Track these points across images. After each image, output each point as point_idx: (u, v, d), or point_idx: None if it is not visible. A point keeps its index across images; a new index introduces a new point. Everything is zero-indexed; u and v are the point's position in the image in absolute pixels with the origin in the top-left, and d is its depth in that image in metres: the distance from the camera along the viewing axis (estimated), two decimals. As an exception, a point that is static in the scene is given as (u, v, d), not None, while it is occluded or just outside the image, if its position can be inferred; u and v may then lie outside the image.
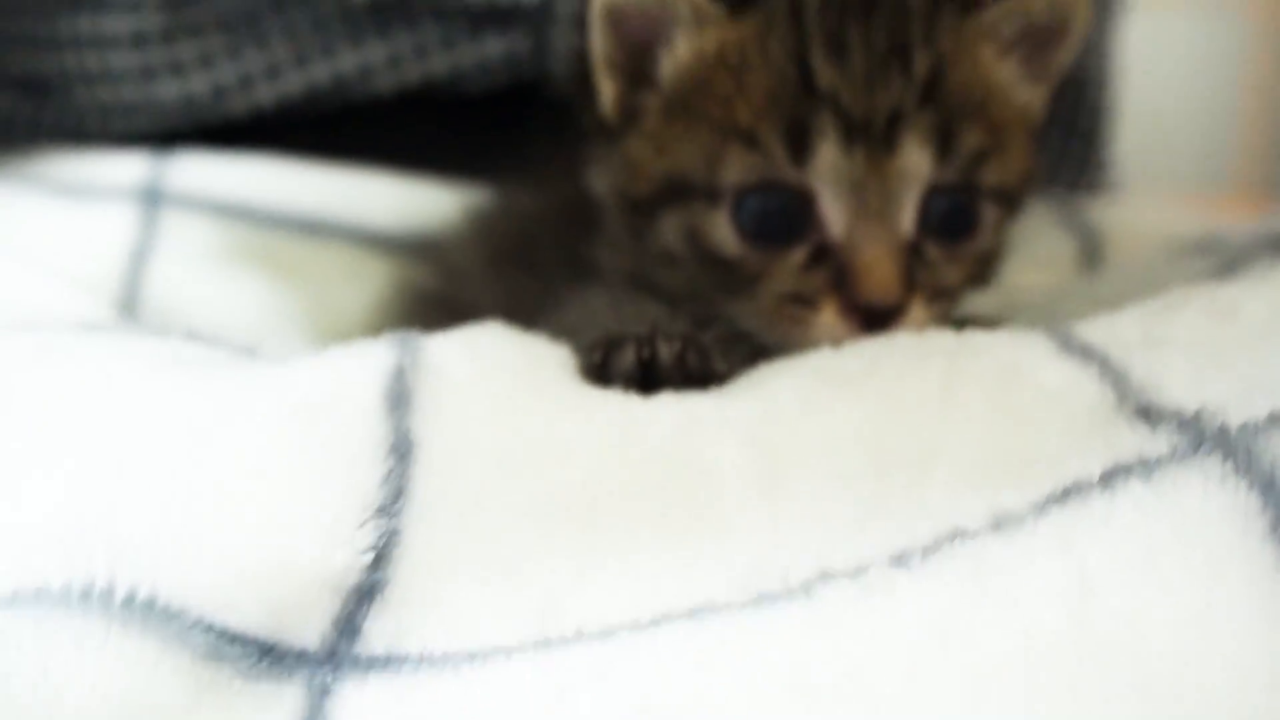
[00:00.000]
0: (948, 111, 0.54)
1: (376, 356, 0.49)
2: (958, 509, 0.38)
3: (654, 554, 0.40)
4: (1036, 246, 0.89)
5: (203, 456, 0.43)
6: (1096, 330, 0.48)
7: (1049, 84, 0.60)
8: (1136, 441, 0.39)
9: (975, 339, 0.49)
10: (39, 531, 0.40)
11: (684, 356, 0.50)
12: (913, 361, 0.47)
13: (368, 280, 0.77)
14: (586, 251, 0.62)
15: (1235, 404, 0.39)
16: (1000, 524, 0.37)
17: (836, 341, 0.52)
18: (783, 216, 0.54)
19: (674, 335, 0.51)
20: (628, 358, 0.50)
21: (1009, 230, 0.59)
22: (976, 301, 0.61)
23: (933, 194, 0.55)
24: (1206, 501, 0.35)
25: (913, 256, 0.54)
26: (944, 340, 0.49)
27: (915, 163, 0.54)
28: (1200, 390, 0.41)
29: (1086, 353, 0.45)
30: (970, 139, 0.55)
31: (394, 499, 0.42)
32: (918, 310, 0.54)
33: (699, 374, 0.50)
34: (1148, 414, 0.41)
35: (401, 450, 0.43)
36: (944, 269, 0.56)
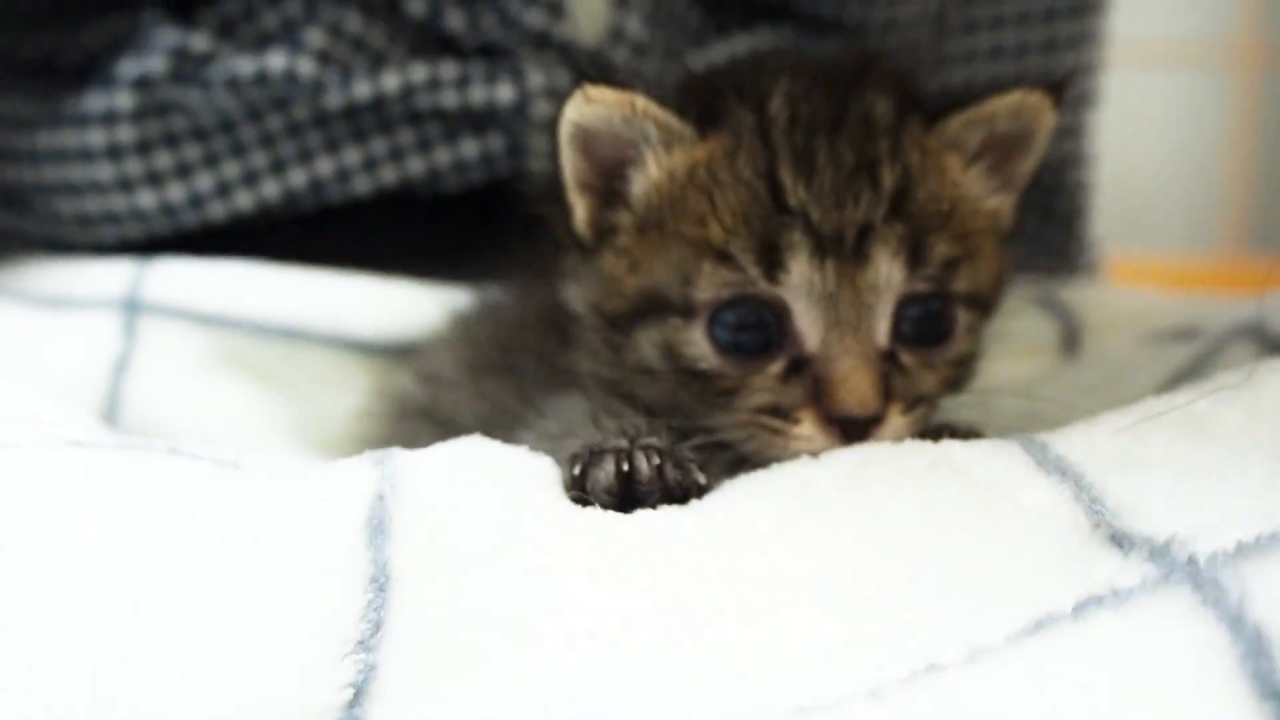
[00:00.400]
0: (917, 223, 0.55)
1: (357, 482, 0.49)
2: (933, 641, 0.38)
3: (633, 691, 0.40)
4: (1016, 334, 0.90)
5: (185, 595, 0.43)
6: (1073, 444, 0.48)
7: (1016, 189, 0.60)
8: (1109, 570, 0.39)
9: (952, 453, 0.49)
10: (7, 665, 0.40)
11: (663, 470, 0.50)
12: (891, 480, 0.47)
13: (348, 386, 0.77)
14: (565, 360, 0.62)
15: (1205, 533, 0.39)
16: (974, 657, 0.37)
17: (815, 452, 0.52)
18: (758, 330, 0.55)
19: (653, 448, 0.51)
20: (607, 471, 0.50)
21: (983, 333, 0.60)
22: (959, 400, 0.61)
23: (906, 303, 0.55)
24: (1175, 634, 0.35)
25: (889, 366, 0.55)
26: (921, 456, 0.49)
27: (886, 274, 0.54)
28: (1172, 516, 0.41)
29: (1063, 471, 0.46)
30: (940, 249, 0.55)
31: (373, 632, 0.42)
32: (895, 419, 0.54)
33: (679, 488, 0.50)
34: (1120, 541, 0.41)
35: (380, 582, 0.43)
36: (920, 376, 0.56)
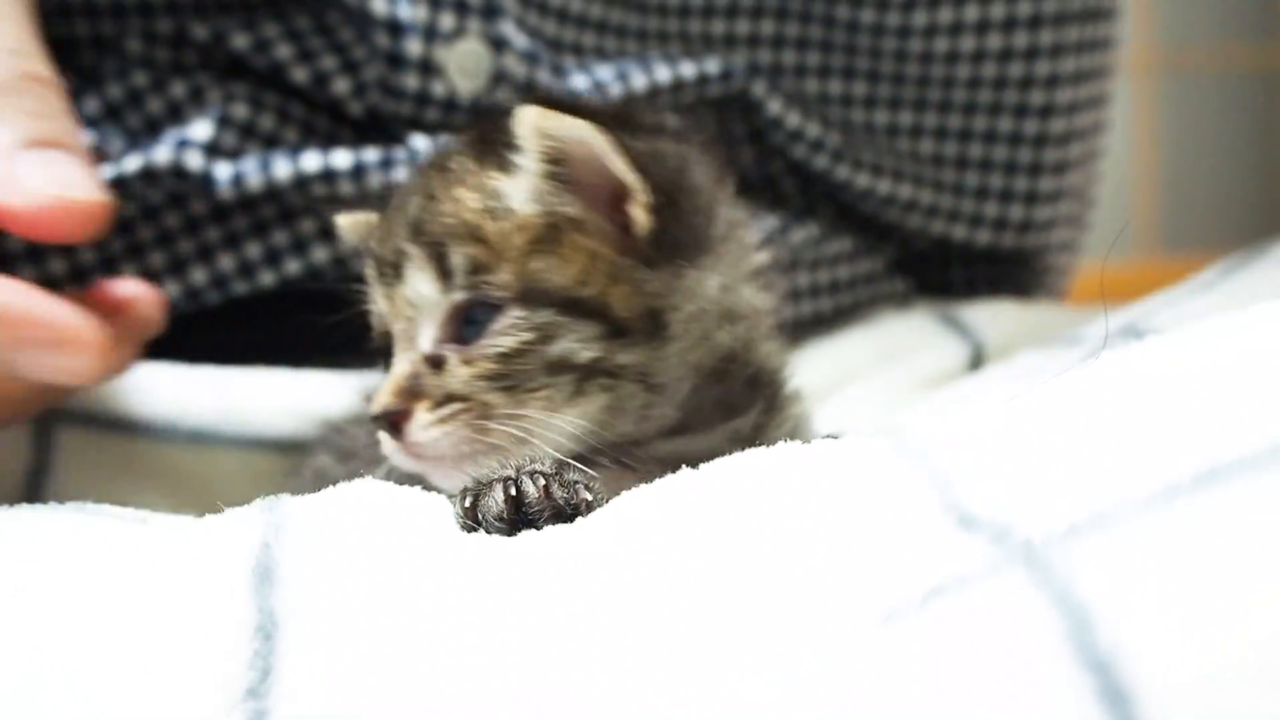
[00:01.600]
0: (436, 240, 0.61)
1: (244, 530, 0.50)
2: (793, 642, 0.39)
3: None
4: (924, 361, 0.92)
5: (66, 650, 0.43)
6: (929, 432, 0.50)
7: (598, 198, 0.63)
8: (955, 556, 0.40)
9: (815, 450, 0.51)
10: None
11: (549, 490, 0.52)
12: (756, 487, 0.49)
13: (263, 485, 0.78)
14: None
15: (1042, 513, 0.40)
16: (825, 658, 0.38)
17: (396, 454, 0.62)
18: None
19: (538, 472, 0.53)
20: (497, 498, 0.52)
21: (564, 332, 0.61)
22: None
23: (454, 310, 0.61)
24: (1009, 617, 0.37)
25: (427, 368, 0.61)
26: (785, 456, 0.51)
27: (417, 287, 0.61)
28: (1016, 498, 0.42)
29: (920, 457, 0.47)
30: (457, 259, 0.61)
31: (261, 679, 0.42)
32: (421, 414, 0.61)
33: (568, 505, 0.52)
34: (968, 524, 0.42)
35: (267, 630, 0.44)
36: (455, 373, 0.61)
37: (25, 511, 0.57)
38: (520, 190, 0.62)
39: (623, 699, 0.39)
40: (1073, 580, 0.37)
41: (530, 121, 0.61)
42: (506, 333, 0.60)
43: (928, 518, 0.43)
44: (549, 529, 0.50)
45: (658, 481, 0.52)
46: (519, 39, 0.86)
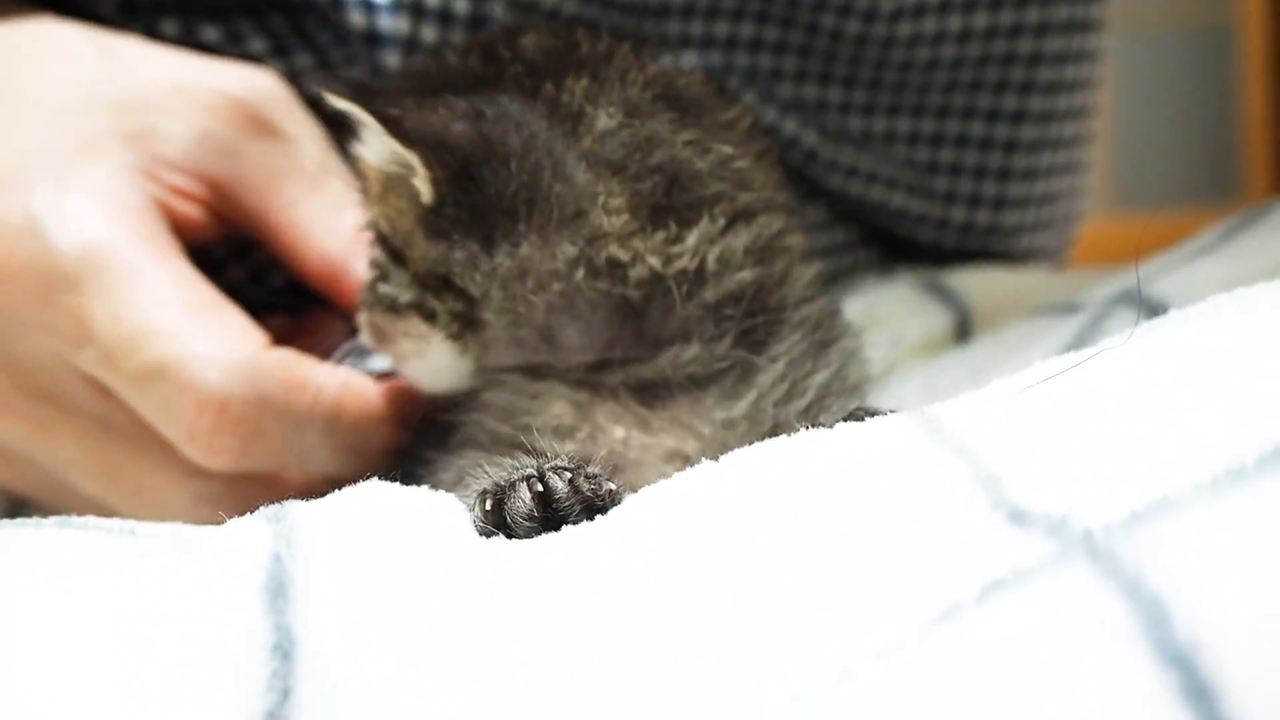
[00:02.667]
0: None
1: (251, 544, 0.48)
2: (849, 644, 0.38)
3: None
4: (910, 328, 0.91)
5: (75, 682, 0.41)
6: (965, 418, 0.48)
7: None
8: (1009, 551, 0.39)
9: (850, 439, 0.49)
10: None
11: (576, 484, 0.50)
12: (793, 475, 0.47)
13: None
14: (445, 417, 0.63)
15: (1098, 504, 0.39)
16: (886, 656, 0.37)
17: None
18: None
19: (561, 467, 0.51)
20: (524, 498, 0.50)
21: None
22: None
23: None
24: (1077, 610, 0.35)
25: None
26: (814, 445, 0.49)
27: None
28: (1067, 489, 0.41)
29: (958, 447, 0.45)
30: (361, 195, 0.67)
31: (281, 701, 0.40)
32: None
33: (596, 498, 0.50)
34: (1019, 518, 0.40)
35: (284, 649, 0.42)
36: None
37: (6, 529, 0.54)
38: (374, 145, 0.63)
39: (689, 706, 0.37)
40: (1142, 571, 0.35)
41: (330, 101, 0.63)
42: (369, 266, 0.65)
43: (977, 513, 0.41)
44: (572, 531, 0.48)
45: (686, 473, 0.49)
46: None
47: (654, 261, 0.60)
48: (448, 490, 0.56)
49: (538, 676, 0.40)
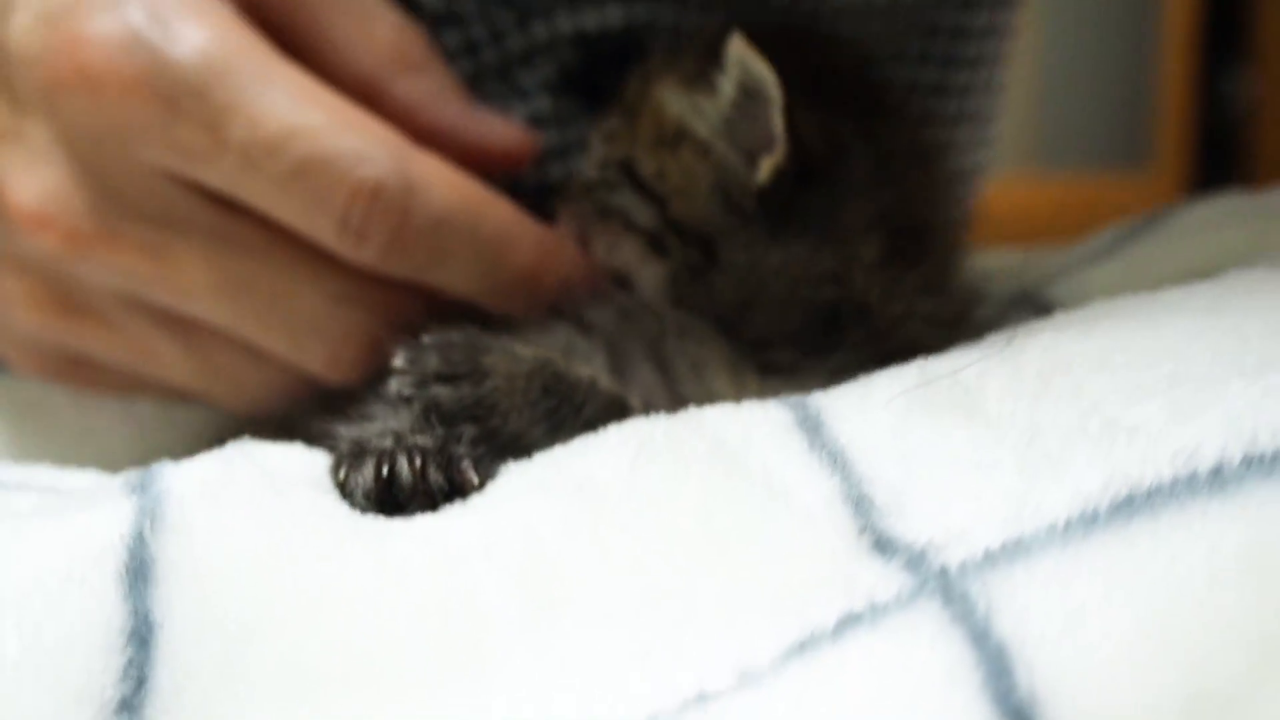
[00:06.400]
0: None
1: (112, 520, 0.46)
2: (705, 665, 0.38)
3: (415, 714, 0.39)
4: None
5: None
6: (846, 420, 0.48)
7: None
8: (870, 581, 0.39)
9: (727, 436, 0.48)
10: None
11: (425, 472, 0.49)
12: (669, 476, 0.47)
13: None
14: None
15: (959, 537, 0.39)
16: (743, 682, 0.37)
17: None
18: None
19: (418, 448, 0.50)
20: (366, 475, 0.49)
21: None
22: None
23: None
24: (925, 656, 0.36)
25: None
26: (698, 439, 0.49)
27: None
28: (931, 518, 0.41)
29: (835, 458, 0.46)
30: None
31: (135, 690, 0.40)
32: None
33: (441, 493, 0.49)
34: (883, 546, 0.41)
35: (142, 635, 0.41)
36: None
37: None
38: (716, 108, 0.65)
39: None
40: (991, 617, 0.36)
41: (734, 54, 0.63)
42: (596, 168, 0.69)
43: (844, 538, 0.41)
44: (445, 515, 0.48)
45: (540, 464, 0.50)
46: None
47: (875, 292, 0.64)
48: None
49: (378, 658, 0.40)
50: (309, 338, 0.65)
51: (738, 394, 0.61)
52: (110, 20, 0.62)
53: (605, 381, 0.58)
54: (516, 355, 0.55)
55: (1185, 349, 0.45)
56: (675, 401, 0.61)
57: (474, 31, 0.82)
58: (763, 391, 0.61)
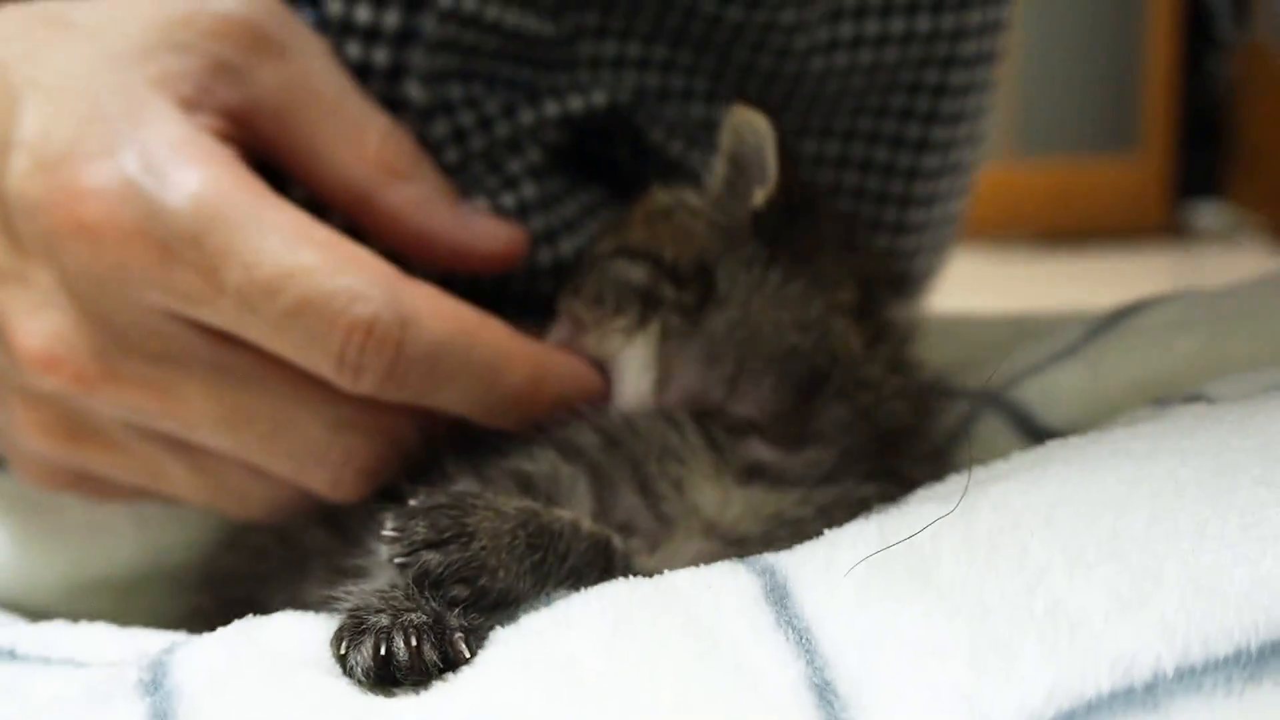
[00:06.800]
0: None
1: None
2: None
3: None
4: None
5: None
6: (811, 589, 0.50)
7: None
8: None
9: (702, 614, 0.50)
10: None
11: (420, 650, 0.50)
12: (647, 658, 0.49)
13: None
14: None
15: None
16: None
17: None
18: None
19: (412, 625, 0.51)
20: (365, 654, 0.50)
21: None
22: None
23: None
24: None
25: None
26: (673, 619, 0.50)
27: None
28: (890, 712, 0.43)
29: (800, 634, 0.48)
30: None
31: None
32: None
33: (436, 669, 0.50)
34: None
35: None
36: None
37: None
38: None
39: None
40: None
41: (735, 117, 0.70)
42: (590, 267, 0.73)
43: None
44: (434, 696, 0.49)
45: (524, 634, 0.52)
46: (419, 95, 0.83)
47: (846, 349, 0.68)
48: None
49: None
50: (311, 463, 0.67)
51: (720, 509, 0.64)
52: (106, 170, 0.63)
53: (587, 524, 0.60)
54: (501, 511, 0.57)
55: (1125, 500, 0.48)
56: (659, 522, 0.63)
57: (462, 119, 0.84)
58: (745, 501, 0.64)
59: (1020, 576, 0.46)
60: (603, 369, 0.70)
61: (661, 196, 0.74)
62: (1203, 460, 0.50)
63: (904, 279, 0.81)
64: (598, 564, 0.58)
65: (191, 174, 0.64)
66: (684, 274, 0.69)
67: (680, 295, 0.68)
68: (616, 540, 0.60)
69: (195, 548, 0.78)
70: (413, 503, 0.56)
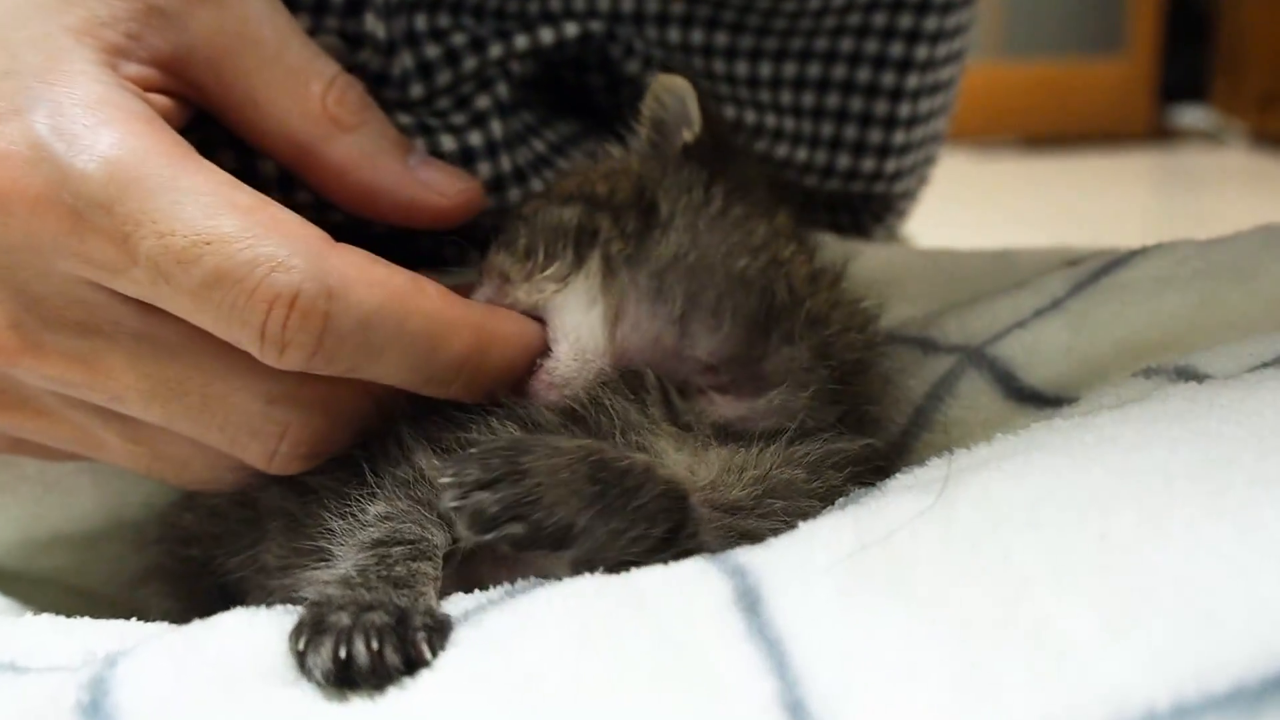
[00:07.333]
0: None
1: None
2: None
3: None
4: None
5: None
6: (785, 595, 0.48)
7: None
8: None
9: (670, 622, 0.48)
10: None
11: (382, 653, 0.48)
12: (613, 674, 0.46)
13: None
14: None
15: None
16: None
17: None
18: None
19: (374, 626, 0.49)
20: (324, 656, 0.48)
21: None
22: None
23: None
24: None
25: None
26: (640, 631, 0.48)
27: None
28: None
29: (771, 645, 0.46)
30: None
31: None
32: None
33: (396, 671, 0.48)
34: None
35: None
36: None
37: None
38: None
39: None
40: None
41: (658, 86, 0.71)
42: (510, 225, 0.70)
43: None
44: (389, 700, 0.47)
45: (485, 641, 0.50)
46: (380, 29, 0.79)
47: (796, 277, 0.67)
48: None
49: None
50: (245, 436, 0.63)
51: (694, 473, 0.61)
52: (14, 131, 0.60)
53: (665, 470, 0.58)
54: (558, 448, 0.55)
55: (1113, 496, 0.46)
56: None
57: (427, 52, 0.80)
58: (721, 462, 0.62)
59: (1003, 587, 0.44)
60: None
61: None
62: (1193, 451, 0.48)
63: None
64: (671, 516, 0.56)
65: (104, 136, 0.59)
66: (621, 202, 0.67)
67: (619, 223, 0.66)
68: (695, 500, 0.58)
69: (154, 504, 0.76)
70: (471, 450, 0.55)
